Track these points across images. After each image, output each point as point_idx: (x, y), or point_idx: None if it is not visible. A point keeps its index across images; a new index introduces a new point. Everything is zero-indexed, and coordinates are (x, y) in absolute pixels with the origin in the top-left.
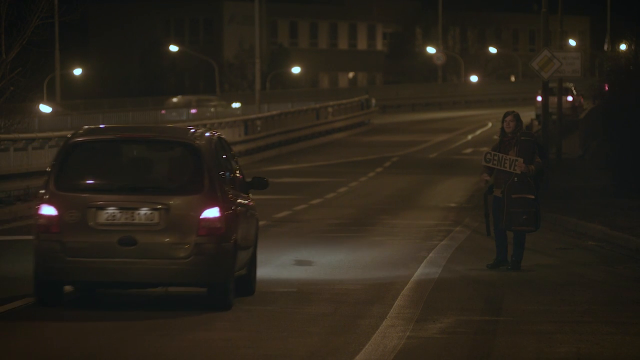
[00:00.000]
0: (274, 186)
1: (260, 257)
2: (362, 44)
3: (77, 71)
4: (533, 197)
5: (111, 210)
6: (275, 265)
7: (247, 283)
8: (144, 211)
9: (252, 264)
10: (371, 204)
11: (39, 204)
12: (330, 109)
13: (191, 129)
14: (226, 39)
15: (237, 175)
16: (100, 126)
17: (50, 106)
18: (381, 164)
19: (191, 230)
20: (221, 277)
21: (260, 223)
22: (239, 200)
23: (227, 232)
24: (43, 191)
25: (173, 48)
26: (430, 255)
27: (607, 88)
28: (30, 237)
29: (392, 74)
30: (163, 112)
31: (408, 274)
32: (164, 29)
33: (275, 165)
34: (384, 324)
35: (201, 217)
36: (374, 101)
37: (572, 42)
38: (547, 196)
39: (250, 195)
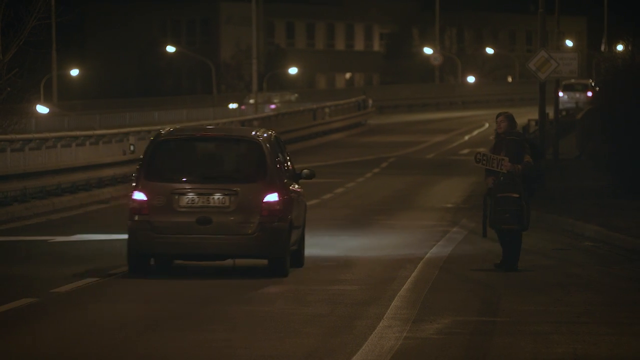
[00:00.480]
0: None
1: (257, 260)
2: (359, 45)
3: (74, 72)
4: (517, 195)
5: (191, 195)
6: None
7: (298, 256)
8: (217, 196)
9: (301, 241)
10: (368, 205)
11: (132, 191)
12: (327, 110)
13: (252, 129)
14: (223, 39)
15: (289, 167)
16: (181, 127)
17: (47, 107)
18: (378, 164)
19: (255, 212)
20: (280, 250)
21: None
22: (292, 188)
23: (284, 213)
24: (134, 182)
25: (170, 49)
26: (427, 255)
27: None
28: (31, 238)
29: (389, 75)
30: (243, 107)
31: (405, 275)
32: (161, 30)
33: None
34: (381, 324)
35: (264, 200)
36: (371, 102)
37: (569, 43)
38: (544, 197)
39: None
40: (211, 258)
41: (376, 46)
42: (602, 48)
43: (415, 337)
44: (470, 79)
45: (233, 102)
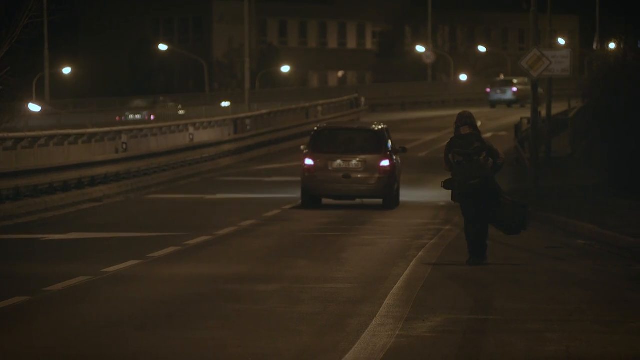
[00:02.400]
0: (263, 185)
1: (250, 259)
2: (351, 43)
3: (66, 70)
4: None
5: (338, 161)
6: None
7: (397, 199)
8: (353, 162)
9: (398, 190)
10: (361, 203)
11: (304, 159)
12: (319, 108)
13: (372, 122)
14: (215, 38)
15: (393, 145)
16: (330, 122)
17: (40, 105)
18: None
19: (376, 171)
20: (390, 193)
21: (248, 222)
22: (395, 157)
23: (392, 172)
24: (305, 153)
25: (162, 47)
26: (420, 254)
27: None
28: (23, 236)
29: (382, 73)
30: (488, 90)
31: (398, 273)
32: (153, 28)
33: (264, 164)
34: (374, 322)
35: (380, 165)
36: (363, 100)
37: (562, 41)
38: (537, 195)
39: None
40: (349, 198)
41: (369, 44)
42: (595, 46)
43: (408, 336)
44: (463, 77)
45: (225, 101)
